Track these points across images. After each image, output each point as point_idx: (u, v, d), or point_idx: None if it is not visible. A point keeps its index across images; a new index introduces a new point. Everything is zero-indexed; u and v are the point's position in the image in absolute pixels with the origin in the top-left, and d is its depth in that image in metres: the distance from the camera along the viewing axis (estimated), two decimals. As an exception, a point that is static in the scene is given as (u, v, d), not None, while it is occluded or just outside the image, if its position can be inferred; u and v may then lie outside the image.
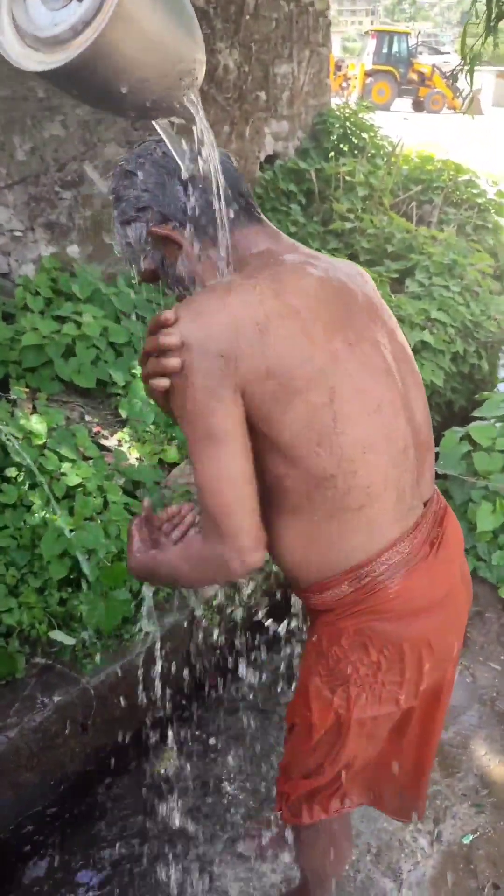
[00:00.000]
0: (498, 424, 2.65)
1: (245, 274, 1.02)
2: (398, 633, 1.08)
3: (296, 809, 1.26)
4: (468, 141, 12.89)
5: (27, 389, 2.90)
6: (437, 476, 2.69)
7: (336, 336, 1.02)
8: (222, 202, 1.00)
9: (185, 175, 1.02)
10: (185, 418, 0.97)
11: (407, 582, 1.07)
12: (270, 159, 5.35)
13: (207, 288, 1.03)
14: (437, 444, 2.75)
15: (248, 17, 4.87)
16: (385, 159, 5.53)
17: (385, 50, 20.07)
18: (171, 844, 1.94)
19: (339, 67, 19.22)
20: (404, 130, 11.37)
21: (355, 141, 5.49)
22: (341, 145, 5.37)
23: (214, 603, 2.51)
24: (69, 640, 2.14)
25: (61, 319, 3.17)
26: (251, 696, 2.32)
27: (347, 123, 5.51)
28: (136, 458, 2.80)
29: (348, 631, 1.09)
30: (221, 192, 1.00)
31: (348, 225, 4.62)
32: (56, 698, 2.06)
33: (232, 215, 1.04)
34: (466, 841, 1.69)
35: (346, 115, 5.65)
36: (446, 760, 1.87)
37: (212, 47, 4.68)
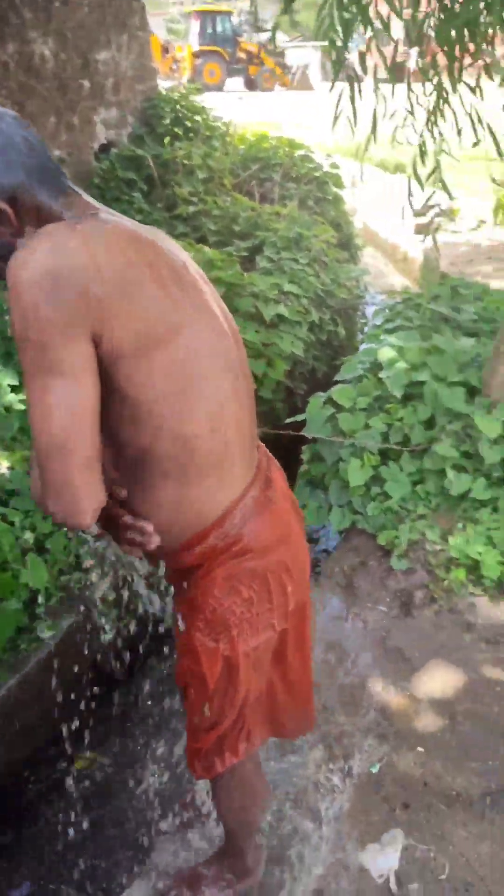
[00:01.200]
0: (356, 385, 2.81)
1: (79, 222, 0.99)
2: (261, 567, 1.18)
3: (208, 763, 1.32)
4: (301, 116, 13.26)
5: None
6: (307, 440, 2.83)
7: (185, 295, 1.06)
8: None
9: None
10: (28, 349, 0.92)
11: (259, 522, 1.17)
12: (105, 148, 5.26)
13: (58, 225, 0.98)
14: (303, 412, 2.89)
15: (57, 4, 4.74)
16: (220, 140, 5.60)
17: (210, 30, 20.09)
18: (107, 836, 1.96)
19: (166, 50, 19.05)
20: (240, 110, 11.53)
21: (189, 124, 5.51)
22: (175, 129, 5.38)
23: (110, 599, 2.51)
24: (-35, 661, 2.08)
25: None
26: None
27: (178, 107, 5.52)
28: (7, 467, 2.72)
29: (218, 580, 1.16)
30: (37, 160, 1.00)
31: (192, 208, 4.65)
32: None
33: (50, 188, 1.03)
34: (374, 770, 1.83)
35: (176, 98, 5.65)
36: (348, 700, 2.01)
37: (24, 38, 4.52)
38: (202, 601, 1.19)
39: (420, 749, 1.88)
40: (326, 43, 2.52)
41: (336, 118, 2.59)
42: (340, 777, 1.82)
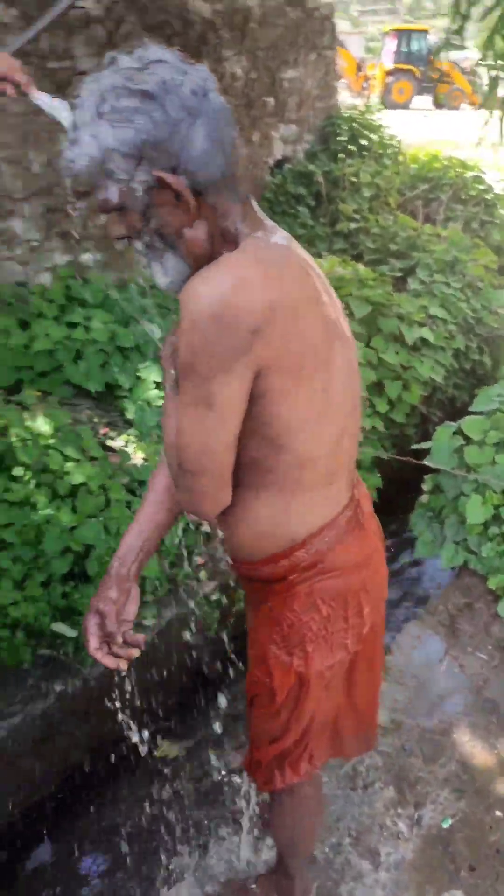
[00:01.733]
0: (490, 418, 2.68)
1: (260, 250, 0.99)
2: (342, 586, 1.18)
3: (268, 776, 1.33)
4: (484, 136, 12.77)
5: (38, 393, 3.02)
6: (430, 470, 2.73)
7: (335, 328, 1.09)
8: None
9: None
10: (190, 377, 0.95)
11: (348, 542, 1.18)
12: (280, 163, 5.42)
13: (240, 256, 0.97)
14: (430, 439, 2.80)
15: (254, 25, 4.96)
16: (392, 159, 5.56)
17: (405, 49, 19.95)
18: (170, 830, 2.02)
19: (359, 68, 19.19)
20: (423, 128, 11.35)
21: (363, 142, 5.53)
22: (349, 146, 5.42)
23: (214, 598, 2.59)
24: (71, 633, 2.24)
25: (72, 325, 3.29)
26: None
27: (354, 124, 5.56)
28: (142, 459, 2.89)
29: (300, 595, 1.17)
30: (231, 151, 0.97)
31: (353, 225, 4.66)
32: (58, 688, 2.16)
33: (233, 194, 1.01)
34: (445, 825, 1.74)
35: (354, 116, 5.70)
36: (429, 747, 1.92)
37: (219, 57, 4.77)
38: (280, 614, 1.20)
39: (498, 813, 1.76)
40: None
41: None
42: (408, 824, 1.75)
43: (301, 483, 1.10)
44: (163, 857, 1.82)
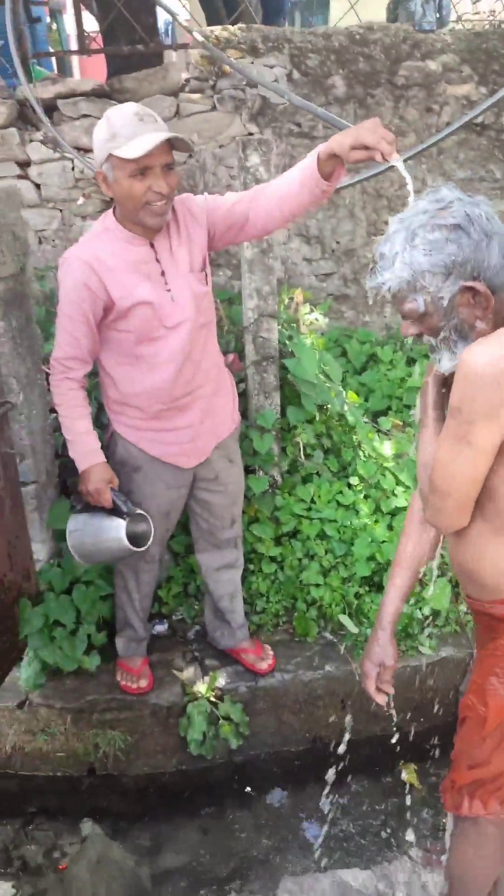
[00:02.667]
0: None
1: None
2: None
3: (458, 799, 1.43)
4: None
5: (399, 423, 3.37)
6: None
7: None
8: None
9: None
10: (458, 419, 1.17)
11: None
12: None
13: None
14: None
15: None
16: None
17: None
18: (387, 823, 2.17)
19: None
20: None
21: None
22: None
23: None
24: (353, 628, 2.54)
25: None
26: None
27: None
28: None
29: None
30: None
31: None
32: (328, 668, 2.48)
33: None
34: None
35: None
36: None
37: None
38: None
39: None
40: None
41: None
42: None
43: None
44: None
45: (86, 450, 2.00)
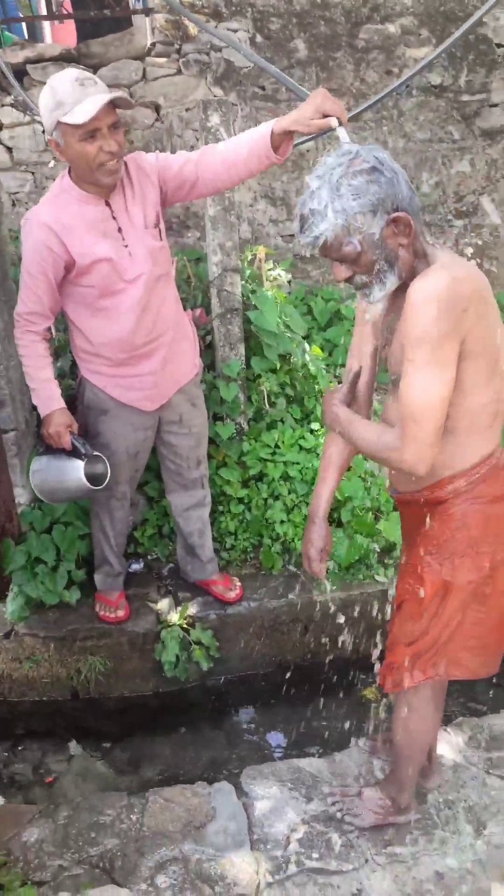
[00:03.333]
0: None
1: (453, 258, 1.37)
2: (488, 512, 1.49)
3: (398, 677, 1.63)
4: None
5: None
6: None
7: (499, 316, 1.42)
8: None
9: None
10: (425, 345, 1.29)
11: (492, 478, 1.49)
12: None
13: (445, 261, 1.34)
14: None
15: None
16: None
17: None
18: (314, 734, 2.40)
19: None
20: None
21: None
22: None
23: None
24: (314, 560, 2.74)
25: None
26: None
27: None
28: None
29: (455, 515, 1.49)
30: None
31: None
32: (290, 597, 2.69)
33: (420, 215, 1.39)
34: None
35: None
36: None
37: None
38: (438, 531, 1.53)
39: None
40: None
41: None
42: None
43: (475, 424, 1.44)
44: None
45: (47, 395, 2.14)
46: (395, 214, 1.33)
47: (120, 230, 1.99)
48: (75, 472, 2.14)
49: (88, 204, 1.96)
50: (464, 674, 1.63)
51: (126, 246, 2.00)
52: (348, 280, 1.43)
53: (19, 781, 2.53)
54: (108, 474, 2.22)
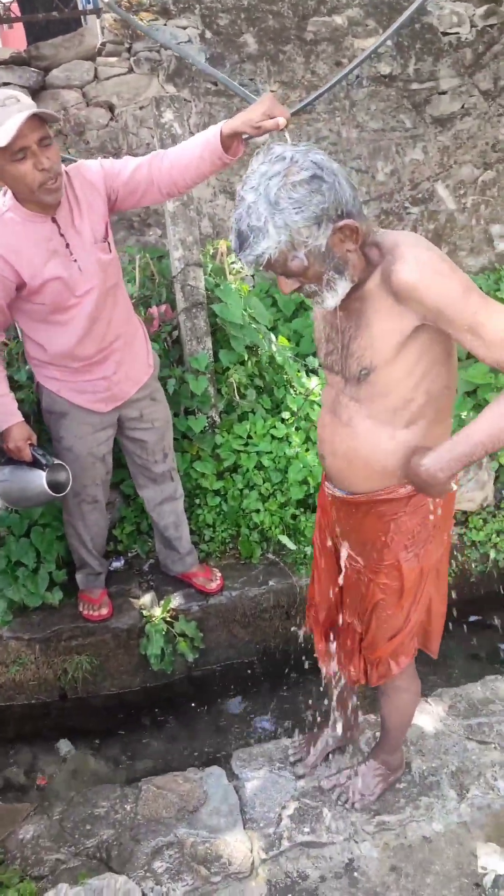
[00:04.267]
0: None
1: (397, 236, 1.32)
2: (444, 498, 1.51)
3: (384, 669, 1.67)
4: None
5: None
6: None
7: None
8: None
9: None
10: (469, 287, 1.25)
11: None
12: None
13: (400, 238, 1.31)
14: None
15: None
16: None
17: None
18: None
19: None
20: None
21: None
22: None
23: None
24: (292, 546, 2.80)
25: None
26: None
27: None
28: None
29: (424, 508, 1.50)
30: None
31: None
32: (271, 583, 2.74)
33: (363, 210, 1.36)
34: None
35: None
36: None
37: None
38: (412, 524, 1.51)
39: None
40: None
41: None
42: (506, 781, 1.90)
43: (444, 410, 1.45)
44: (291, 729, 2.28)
45: (4, 411, 2.12)
46: (342, 223, 1.26)
47: (68, 246, 1.97)
48: (37, 480, 2.16)
49: (34, 223, 1.93)
50: (437, 642, 1.69)
51: (76, 261, 1.99)
52: (297, 290, 1.36)
53: (13, 784, 2.55)
54: (70, 480, 2.24)
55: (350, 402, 1.45)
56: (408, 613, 1.61)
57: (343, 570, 1.67)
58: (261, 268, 1.29)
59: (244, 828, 1.86)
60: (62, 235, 1.96)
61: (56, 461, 2.21)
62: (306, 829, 1.84)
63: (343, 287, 1.34)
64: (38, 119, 1.74)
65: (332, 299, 1.35)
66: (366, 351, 1.37)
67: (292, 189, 1.22)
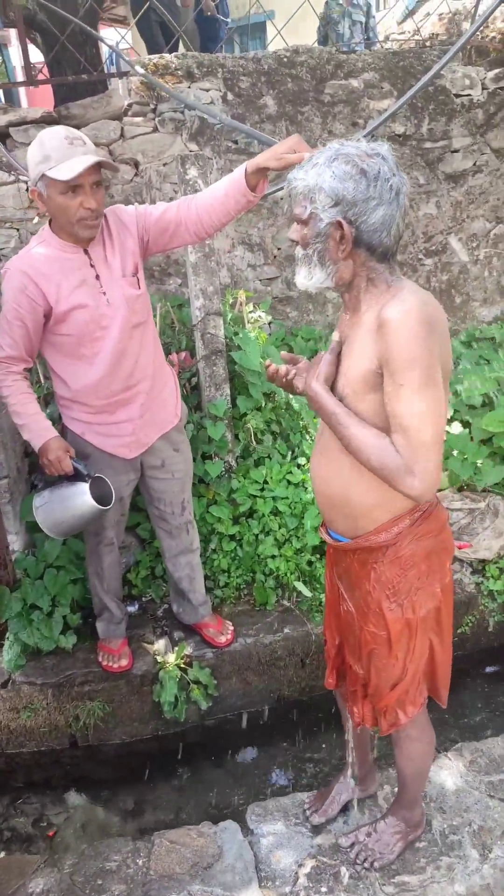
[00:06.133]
0: None
1: (417, 287, 1.39)
2: (432, 546, 1.50)
3: (393, 717, 1.65)
4: None
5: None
6: None
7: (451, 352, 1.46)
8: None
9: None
10: (417, 368, 1.26)
11: (434, 511, 1.50)
12: None
13: (411, 287, 1.34)
14: None
15: None
16: None
17: None
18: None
19: None
20: None
21: None
22: None
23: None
24: (308, 593, 2.78)
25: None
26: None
27: None
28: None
29: (405, 555, 1.48)
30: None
31: None
32: (286, 630, 2.71)
33: (391, 257, 1.38)
34: None
35: None
36: None
37: None
38: (390, 575, 1.50)
39: None
40: None
41: None
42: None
43: None
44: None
45: (39, 427, 2.15)
46: (342, 221, 1.32)
47: (98, 277, 2.05)
48: (81, 495, 2.11)
49: (66, 252, 2.02)
50: (445, 691, 1.66)
51: (104, 293, 2.05)
52: (293, 243, 1.44)
53: (20, 835, 2.49)
54: (113, 493, 2.19)
55: (332, 437, 1.45)
56: (403, 664, 1.58)
57: (342, 613, 1.67)
58: (289, 192, 1.40)
59: (259, 886, 1.80)
60: (92, 266, 2.04)
61: (97, 473, 2.18)
62: (323, 889, 1.78)
63: (318, 277, 1.40)
64: (96, 164, 1.88)
65: (304, 276, 1.42)
66: (347, 372, 1.40)
67: (347, 163, 1.32)
